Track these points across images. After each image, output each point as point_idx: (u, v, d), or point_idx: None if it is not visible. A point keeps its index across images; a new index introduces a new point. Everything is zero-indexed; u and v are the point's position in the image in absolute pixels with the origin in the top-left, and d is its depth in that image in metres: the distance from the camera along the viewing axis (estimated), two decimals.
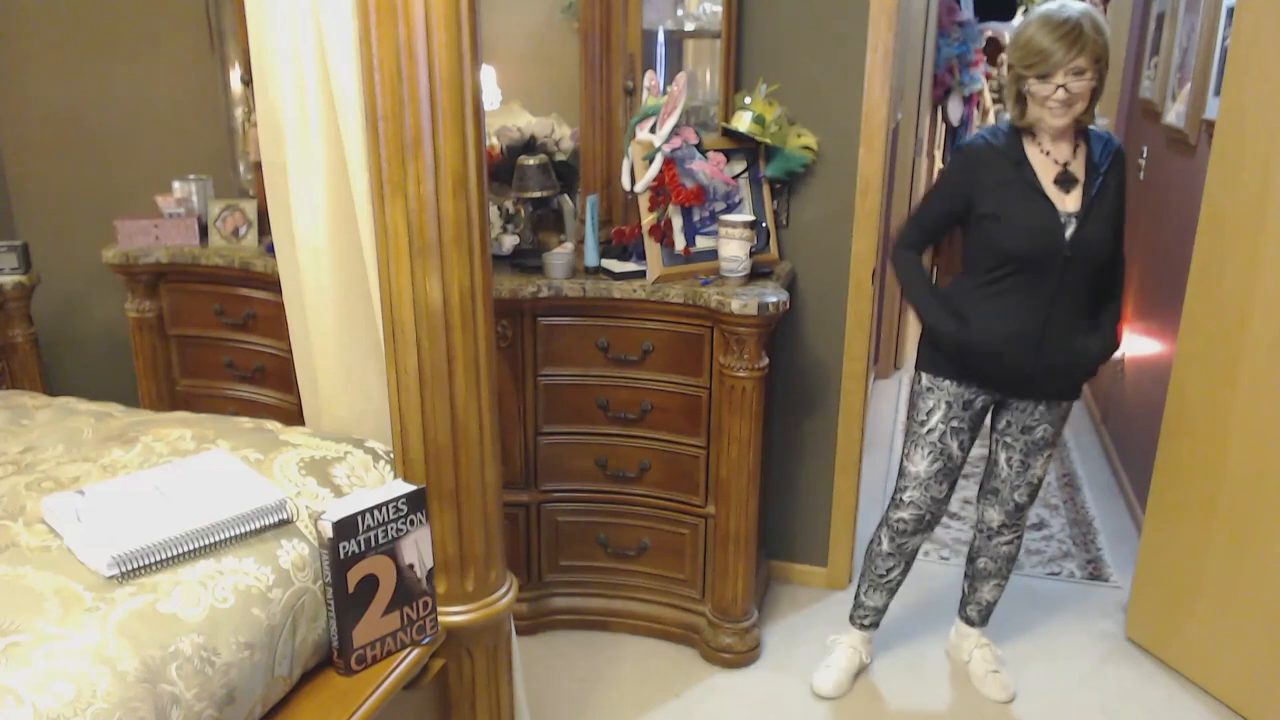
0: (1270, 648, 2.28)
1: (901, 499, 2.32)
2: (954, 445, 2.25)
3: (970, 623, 2.58)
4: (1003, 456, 2.33)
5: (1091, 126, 2.13)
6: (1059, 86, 1.97)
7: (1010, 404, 2.27)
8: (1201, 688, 2.48)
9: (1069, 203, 2.08)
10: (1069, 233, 2.06)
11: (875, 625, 2.53)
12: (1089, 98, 2.03)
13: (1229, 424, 2.33)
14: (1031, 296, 2.10)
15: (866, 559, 2.45)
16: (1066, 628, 2.78)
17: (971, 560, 2.52)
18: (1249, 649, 2.34)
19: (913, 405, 2.30)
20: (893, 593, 2.47)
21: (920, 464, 2.27)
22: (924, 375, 2.27)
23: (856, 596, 2.51)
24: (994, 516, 2.40)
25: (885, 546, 2.39)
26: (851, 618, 2.54)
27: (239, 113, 2.91)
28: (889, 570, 2.42)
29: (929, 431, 2.25)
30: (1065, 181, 2.09)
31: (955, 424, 2.24)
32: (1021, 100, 2.07)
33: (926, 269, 2.28)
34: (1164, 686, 2.52)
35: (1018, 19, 5.78)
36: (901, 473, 2.32)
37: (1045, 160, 2.10)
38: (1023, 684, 2.52)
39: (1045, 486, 3.69)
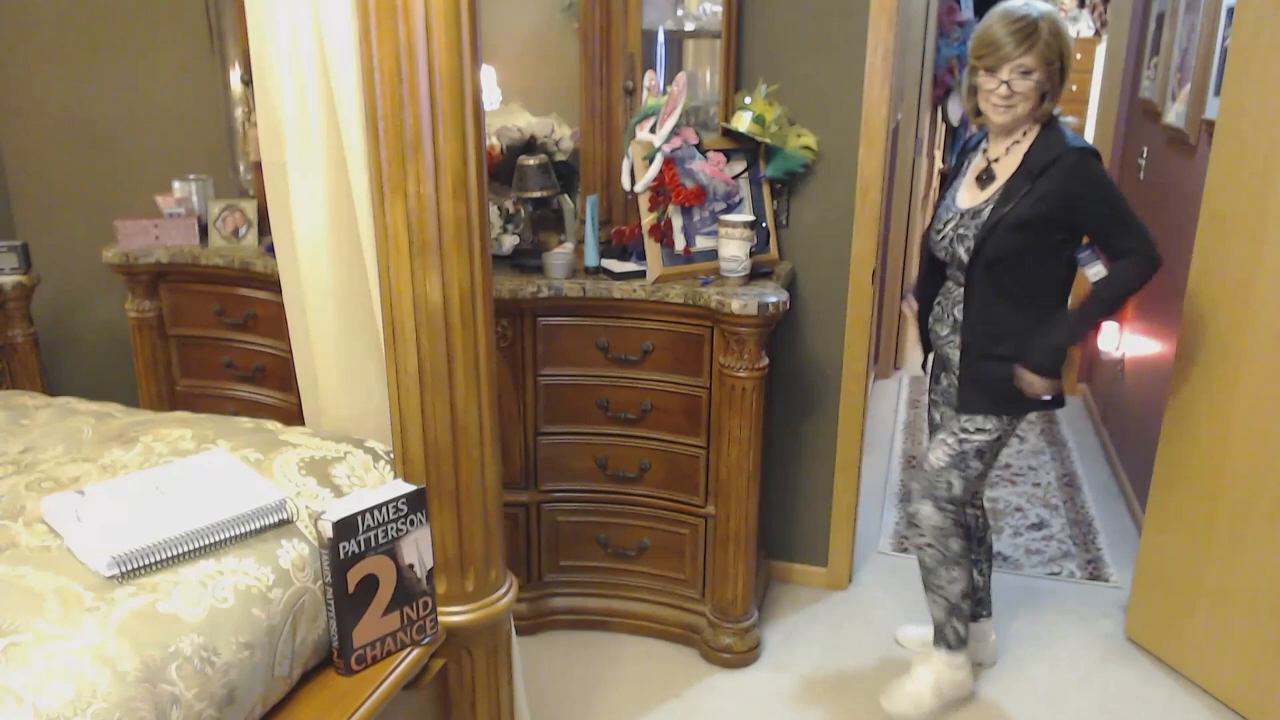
0: (1270, 648, 2.28)
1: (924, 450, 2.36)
2: (936, 416, 2.40)
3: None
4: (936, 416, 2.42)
5: (1069, 133, 2.05)
6: (1003, 82, 1.97)
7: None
8: (1201, 688, 2.48)
9: (970, 198, 2.12)
10: (953, 226, 2.12)
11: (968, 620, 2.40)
12: (1034, 100, 2.00)
13: (1229, 424, 2.33)
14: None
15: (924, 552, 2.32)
16: (1066, 628, 2.78)
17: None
18: (1249, 649, 2.34)
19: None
20: (970, 574, 2.36)
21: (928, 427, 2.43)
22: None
23: (936, 600, 2.35)
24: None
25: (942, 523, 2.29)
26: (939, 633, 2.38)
27: (239, 113, 2.91)
28: (950, 542, 2.29)
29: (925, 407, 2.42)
30: (984, 178, 2.12)
31: (932, 396, 2.42)
32: (974, 93, 2.09)
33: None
34: (1164, 686, 2.52)
35: None
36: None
37: (980, 157, 2.16)
38: (1022, 684, 2.52)
39: (1045, 487, 3.70)
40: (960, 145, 2.24)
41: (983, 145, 2.19)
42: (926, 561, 2.30)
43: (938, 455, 2.24)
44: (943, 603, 2.32)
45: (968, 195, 2.15)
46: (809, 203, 2.68)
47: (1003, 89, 1.97)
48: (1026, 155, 2.06)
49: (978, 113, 2.11)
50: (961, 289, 2.15)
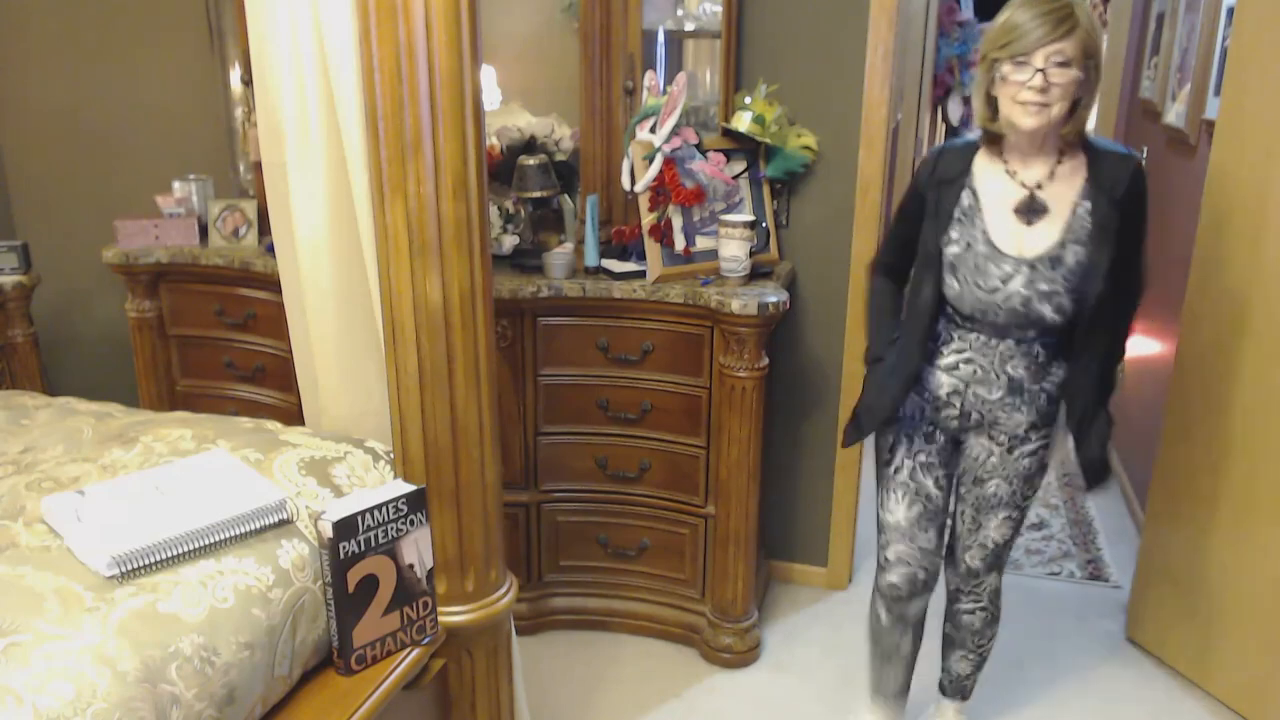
0: (1270, 648, 2.28)
1: (887, 558, 2.02)
2: (929, 483, 1.95)
3: (943, 691, 2.29)
4: (956, 508, 2.03)
5: (1099, 140, 1.77)
6: (1037, 71, 1.59)
7: (966, 446, 1.95)
8: (1201, 688, 2.48)
9: (1029, 243, 1.72)
10: (1023, 283, 1.72)
11: (904, 694, 2.21)
12: (1069, 103, 1.63)
13: (1229, 424, 2.33)
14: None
15: (869, 634, 2.17)
16: (1066, 628, 2.78)
17: (944, 618, 2.20)
18: (1249, 649, 2.34)
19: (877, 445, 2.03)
20: (911, 665, 2.17)
21: (898, 511, 1.98)
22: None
23: (870, 670, 2.21)
24: (950, 578, 2.10)
25: (884, 619, 2.09)
26: (872, 691, 2.24)
27: (239, 113, 2.91)
28: (897, 644, 2.12)
29: (897, 471, 1.97)
30: (1029, 210, 1.72)
31: (923, 459, 1.94)
32: (992, 101, 1.70)
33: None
34: (1164, 686, 2.52)
35: None
36: (880, 526, 2.03)
37: (1005, 182, 1.74)
38: (1022, 684, 2.52)
39: (1045, 487, 3.69)
40: (924, 177, 1.83)
41: (967, 178, 1.77)
42: (975, 624, 2.12)
43: (1001, 532, 1.98)
44: (977, 659, 2.19)
45: (1015, 237, 1.73)
46: (809, 203, 2.68)
47: (1038, 79, 1.59)
48: (1095, 175, 1.71)
49: (994, 118, 1.70)
50: (1023, 344, 1.79)
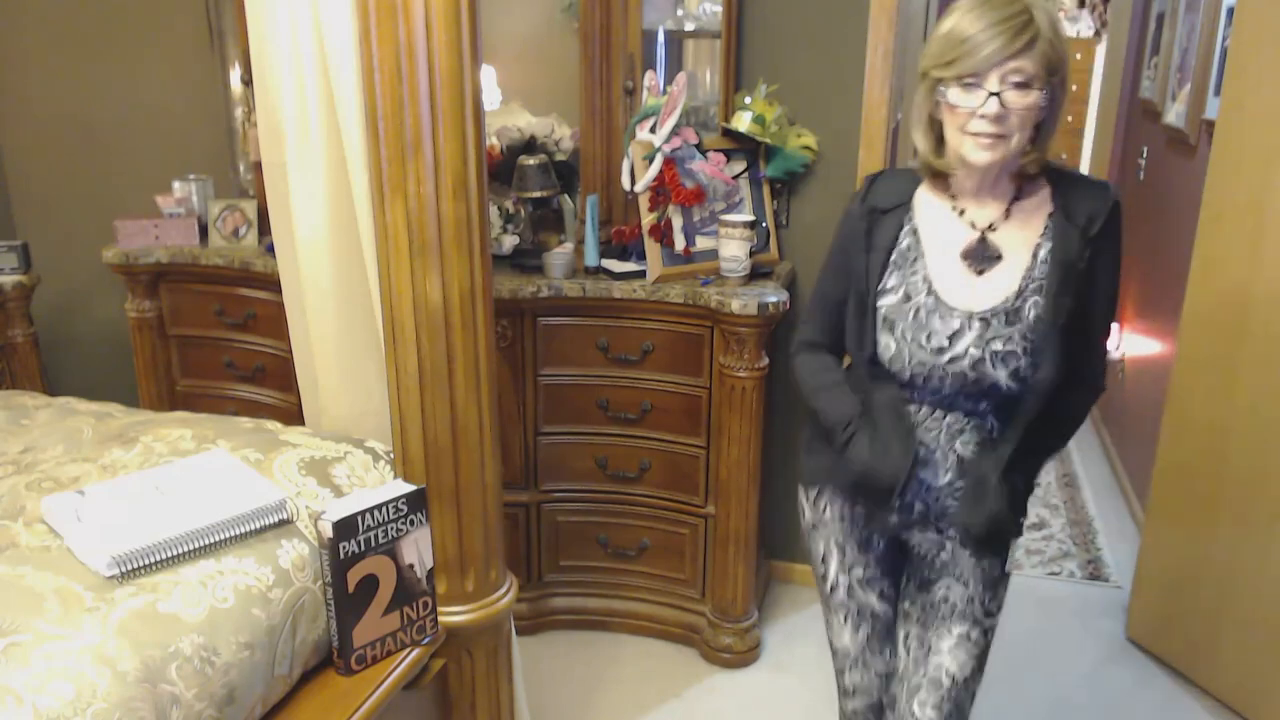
0: (1270, 648, 2.28)
1: (844, 685, 1.70)
2: (872, 599, 1.62)
3: None
4: (899, 630, 1.64)
5: (1068, 169, 1.49)
6: (991, 96, 1.29)
7: (910, 544, 1.59)
8: (1201, 688, 2.48)
9: (980, 294, 1.42)
10: (973, 342, 1.40)
11: None
12: (1029, 129, 1.34)
13: (1229, 424, 2.33)
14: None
15: None
16: (1066, 628, 2.78)
17: None
18: (1249, 649, 2.34)
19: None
20: None
21: (844, 635, 1.66)
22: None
23: None
24: None
25: None
26: None
27: (239, 113, 2.91)
28: None
29: (833, 590, 1.64)
30: (980, 257, 1.43)
31: (860, 573, 1.61)
32: (936, 127, 1.41)
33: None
34: (1164, 686, 2.52)
35: None
36: (830, 647, 1.72)
37: (952, 222, 1.45)
38: (1023, 684, 2.52)
39: (1045, 487, 3.68)
40: (854, 208, 1.52)
41: (907, 214, 1.47)
42: None
43: (957, 660, 1.54)
44: None
45: (964, 287, 1.43)
46: (809, 203, 2.68)
47: (992, 104, 1.29)
48: (1064, 208, 1.42)
49: (938, 151, 1.41)
50: (974, 417, 1.45)
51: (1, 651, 1.12)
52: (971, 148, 1.34)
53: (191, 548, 1.35)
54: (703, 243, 2.45)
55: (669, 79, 2.48)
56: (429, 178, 1.42)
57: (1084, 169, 5.58)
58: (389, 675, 1.49)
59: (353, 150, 1.67)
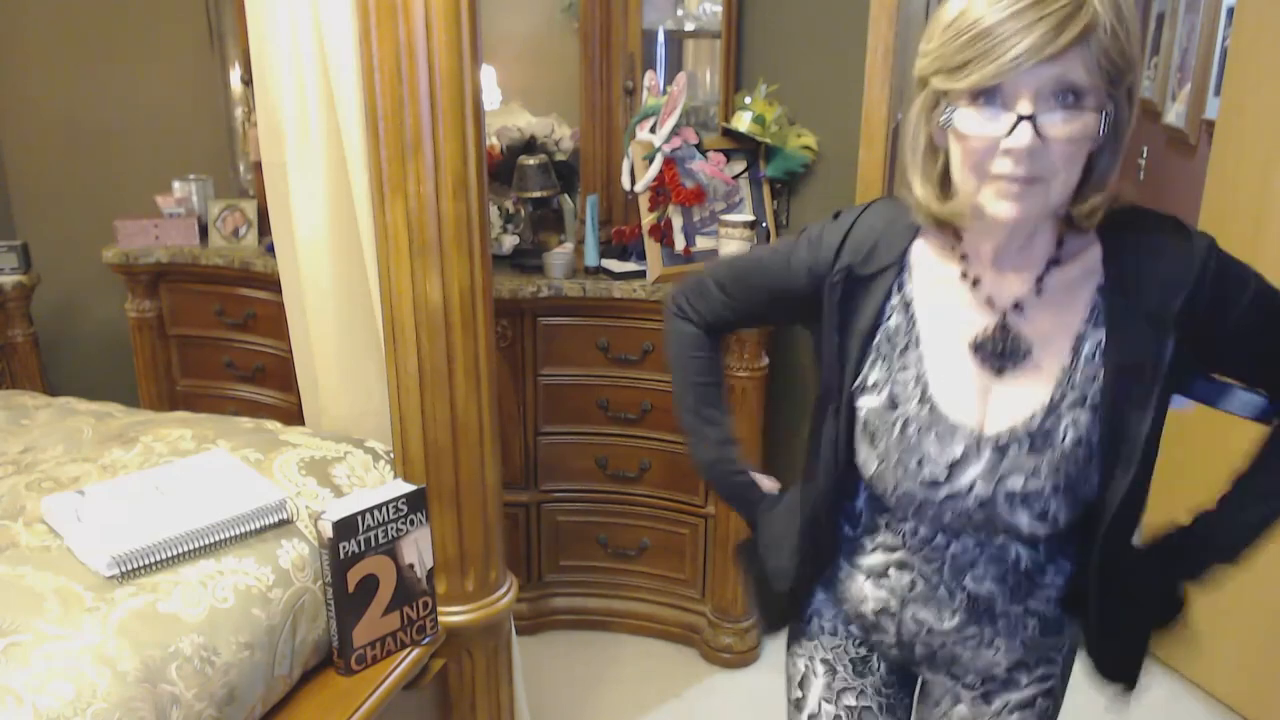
0: (1270, 648, 2.28)
1: None
2: None
3: None
4: None
5: (1132, 210, 0.98)
6: (1022, 120, 0.86)
7: (922, 684, 1.27)
8: (1201, 688, 2.48)
9: (997, 407, 1.01)
10: (981, 475, 1.01)
11: None
12: (1081, 161, 0.91)
13: (1229, 423, 2.33)
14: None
15: None
16: None
17: None
18: (1249, 649, 2.34)
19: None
20: None
21: None
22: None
23: None
24: None
25: None
26: None
27: (239, 113, 2.92)
28: None
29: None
30: (999, 352, 1.01)
31: (851, 701, 1.22)
32: (940, 158, 0.97)
33: None
34: (1164, 687, 2.51)
35: None
36: None
37: (961, 295, 1.03)
38: None
39: None
40: (820, 258, 1.08)
41: (899, 280, 1.05)
42: None
43: None
44: None
45: (975, 394, 1.02)
46: (809, 203, 2.68)
47: (1023, 135, 0.86)
48: (1116, 278, 0.97)
49: (944, 196, 0.98)
50: (990, 548, 1.07)
51: (1, 651, 1.12)
52: (992, 197, 0.90)
53: (191, 548, 1.35)
54: (703, 243, 2.45)
55: (669, 79, 2.48)
56: (429, 177, 1.42)
57: None
58: (389, 675, 1.49)
59: (353, 150, 1.67)
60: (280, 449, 1.65)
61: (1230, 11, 2.60)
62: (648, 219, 2.40)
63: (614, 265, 2.48)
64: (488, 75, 2.72)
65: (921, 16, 4.30)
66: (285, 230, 1.88)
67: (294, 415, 2.31)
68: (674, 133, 2.33)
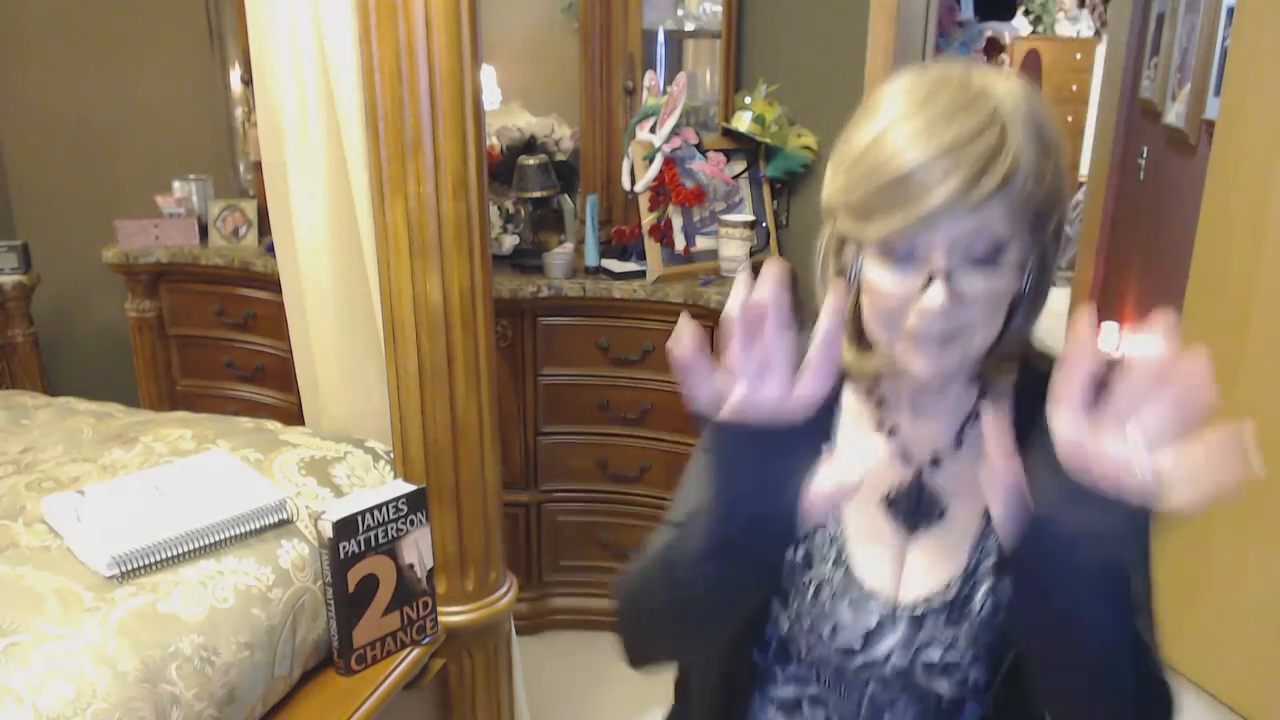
0: (1270, 648, 2.28)
1: None
2: None
3: None
4: None
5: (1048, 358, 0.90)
6: (930, 280, 0.79)
7: None
8: (1201, 688, 2.48)
9: (912, 573, 0.93)
10: (900, 643, 0.92)
11: None
12: (1003, 312, 0.83)
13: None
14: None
15: None
16: None
17: None
18: (1249, 649, 2.34)
19: None
20: None
21: None
22: None
23: None
24: None
25: None
26: None
27: (239, 113, 2.91)
28: None
29: None
30: (913, 510, 0.93)
31: None
32: (846, 286, 0.94)
33: None
34: None
35: (1018, 20, 5.68)
36: None
37: (874, 445, 0.95)
38: None
39: None
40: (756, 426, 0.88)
41: (828, 419, 0.97)
42: None
43: None
44: None
45: (888, 559, 0.94)
46: (809, 203, 2.68)
47: (936, 295, 0.79)
48: (1034, 421, 0.79)
49: (857, 344, 0.93)
50: (902, 689, 0.96)
51: (1, 651, 1.12)
52: (907, 353, 0.83)
53: (191, 548, 1.35)
54: (703, 243, 2.45)
55: (669, 79, 2.48)
56: (429, 177, 1.42)
57: (1083, 169, 5.05)
58: (389, 675, 1.49)
59: (353, 150, 1.67)
60: (280, 449, 1.65)
61: (1230, 11, 2.60)
62: (648, 219, 2.40)
63: (614, 265, 2.48)
64: (488, 75, 2.72)
65: (922, 17, 4.29)
66: (285, 230, 1.88)
67: (294, 415, 2.31)
68: (674, 133, 2.34)
